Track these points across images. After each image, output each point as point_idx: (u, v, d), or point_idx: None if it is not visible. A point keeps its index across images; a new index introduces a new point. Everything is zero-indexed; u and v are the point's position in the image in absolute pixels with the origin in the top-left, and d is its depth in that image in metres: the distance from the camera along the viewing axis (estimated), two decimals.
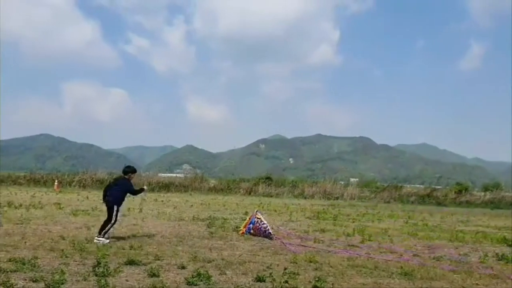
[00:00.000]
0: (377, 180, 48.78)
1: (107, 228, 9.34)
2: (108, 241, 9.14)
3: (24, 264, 6.34)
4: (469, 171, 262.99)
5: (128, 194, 9.94)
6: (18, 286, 5.14)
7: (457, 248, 10.51)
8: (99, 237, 9.18)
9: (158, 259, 7.40)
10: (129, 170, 10.00)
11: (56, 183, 32.53)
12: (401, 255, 9.17)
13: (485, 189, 40.05)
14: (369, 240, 11.21)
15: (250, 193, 36.85)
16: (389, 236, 12.31)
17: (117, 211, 9.54)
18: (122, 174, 10.01)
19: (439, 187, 42.26)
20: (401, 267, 7.55)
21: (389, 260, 8.43)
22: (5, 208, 15.05)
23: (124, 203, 9.89)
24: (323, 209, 22.40)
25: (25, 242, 8.55)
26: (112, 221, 9.41)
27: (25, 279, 5.48)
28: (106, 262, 6.72)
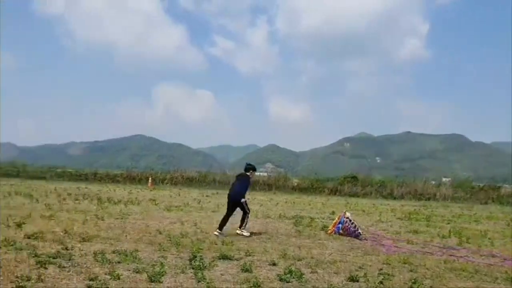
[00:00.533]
0: (472, 179, 45.61)
1: (245, 221, 10.16)
2: (248, 234, 9.95)
3: (126, 256, 6.77)
4: None
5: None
6: (123, 276, 5.50)
7: None
8: (241, 230, 10.01)
9: (249, 255, 7.54)
10: (250, 167, 10.69)
11: (150, 181, 34.53)
12: (505, 260, 8.49)
13: None
14: (467, 243, 10.54)
15: (335, 193, 36.29)
16: (489, 239, 11.47)
17: (246, 203, 10.24)
18: (244, 171, 10.66)
19: None
20: (506, 272, 7.00)
21: (492, 265, 7.85)
22: (106, 204, 16.22)
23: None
24: (415, 209, 21.44)
25: (126, 236, 9.14)
26: (247, 213, 10.22)
27: (129, 270, 5.85)
28: (201, 256, 6.99)
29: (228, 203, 10.43)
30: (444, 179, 45.93)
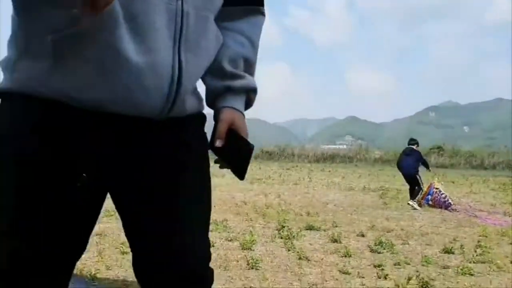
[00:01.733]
0: None
1: (418, 196, 10.53)
2: (419, 208, 10.23)
3: (217, 225, 7.03)
4: None
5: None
6: (217, 244, 5.72)
7: None
8: (413, 201, 10.42)
9: (336, 226, 7.49)
10: (414, 142, 11.31)
11: None
12: None
13: None
14: None
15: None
16: None
17: (419, 177, 10.66)
18: (409, 146, 11.27)
19: None
20: None
21: None
22: None
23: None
24: (510, 180, 19.99)
25: (215, 206, 9.48)
26: (421, 187, 10.61)
27: (221, 238, 6.07)
28: (289, 226, 7.07)
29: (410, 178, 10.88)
30: None
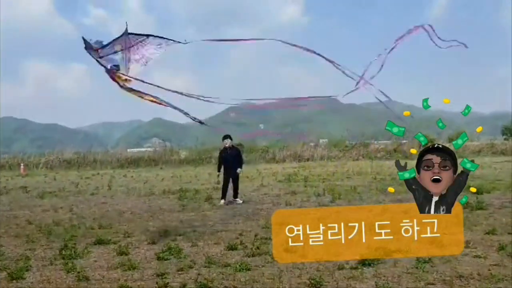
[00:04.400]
0: (345, 139, 49.30)
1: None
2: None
3: None
4: (434, 123, 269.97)
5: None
6: None
7: None
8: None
9: (128, 237, 7.29)
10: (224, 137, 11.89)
11: (22, 167, 31.56)
12: (371, 211, 9.35)
13: (450, 140, 41.12)
14: (339, 199, 11.39)
15: None
16: (358, 193, 12.53)
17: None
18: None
19: (405, 141, 43.14)
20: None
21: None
22: None
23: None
24: (294, 171, 22.57)
25: None
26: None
27: None
28: (74, 243, 6.58)
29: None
30: (321, 141, 48.96)
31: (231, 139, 11.84)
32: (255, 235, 6.65)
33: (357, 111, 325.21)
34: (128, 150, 47.45)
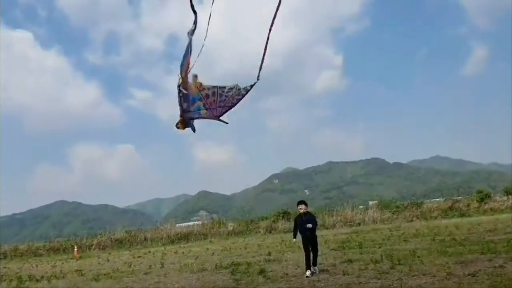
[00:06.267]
0: (395, 199, 47.84)
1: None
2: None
3: None
4: (487, 177, 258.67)
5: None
6: None
7: (491, 260, 10.12)
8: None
9: None
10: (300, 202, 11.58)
11: (75, 249, 32.29)
12: (434, 276, 8.82)
13: (507, 193, 39.07)
14: (399, 265, 10.85)
15: (270, 231, 36.24)
16: (418, 257, 11.91)
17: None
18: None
19: (459, 198, 41.32)
20: None
21: (423, 283, 8.11)
22: (27, 283, 14.86)
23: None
24: (347, 237, 21.93)
25: None
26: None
27: None
28: None
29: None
30: (370, 203, 47.75)
31: (306, 204, 11.46)
32: None
33: (405, 170, 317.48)
34: (177, 225, 47.75)
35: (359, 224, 34.28)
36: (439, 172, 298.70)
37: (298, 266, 12.63)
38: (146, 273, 14.69)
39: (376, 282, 8.84)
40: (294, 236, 11.63)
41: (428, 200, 44.56)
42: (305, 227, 11.00)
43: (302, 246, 11.25)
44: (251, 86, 6.37)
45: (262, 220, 41.62)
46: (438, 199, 42.21)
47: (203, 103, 6.47)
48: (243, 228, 38.68)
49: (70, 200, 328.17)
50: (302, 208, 11.32)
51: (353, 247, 16.54)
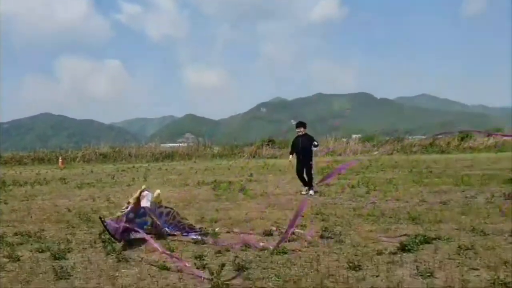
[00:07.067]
0: (378, 134, 48.50)
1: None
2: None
3: (30, 237, 6.32)
4: (472, 118, 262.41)
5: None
6: (24, 257, 5.11)
7: (463, 191, 10.49)
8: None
9: None
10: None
11: (60, 160, 32.56)
12: (407, 202, 9.15)
13: (488, 135, 39.82)
14: (374, 190, 11.19)
15: (254, 156, 36.86)
16: (394, 185, 12.28)
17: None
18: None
19: (440, 136, 42.03)
20: (408, 213, 7.51)
21: (396, 207, 8.42)
22: (10, 187, 15.07)
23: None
24: (327, 165, 22.38)
25: (31, 217, 8.55)
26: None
27: (31, 251, 5.45)
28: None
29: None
30: (354, 136, 48.31)
31: (304, 127, 11.51)
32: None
33: (391, 106, 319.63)
34: (162, 145, 48.06)
35: (340, 154, 34.94)
36: (425, 111, 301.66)
37: (277, 187, 12.95)
38: (128, 185, 14.96)
39: (350, 204, 9.15)
40: (291, 154, 11.82)
41: (410, 137, 45.24)
42: (300, 149, 11.25)
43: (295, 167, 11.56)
44: (196, 235, 6.23)
45: (247, 146, 42.16)
46: (420, 137, 42.86)
47: (152, 220, 6.37)
48: (227, 152, 39.22)
49: (55, 113, 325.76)
50: (300, 131, 11.42)
51: None
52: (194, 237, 6.10)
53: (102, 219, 5.84)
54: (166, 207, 6.73)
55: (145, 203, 6.37)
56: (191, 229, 6.50)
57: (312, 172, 11.24)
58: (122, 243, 5.67)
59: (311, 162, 11.21)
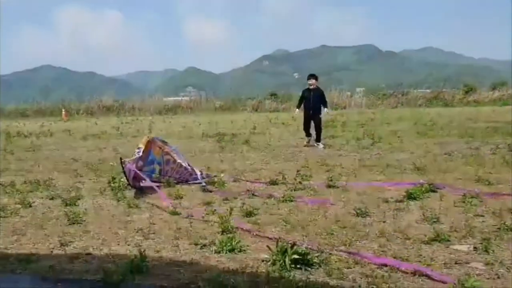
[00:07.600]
0: (383, 87, 48.01)
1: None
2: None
3: (39, 185, 6.41)
4: (476, 72, 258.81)
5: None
6: (36, 203, 5.21)
7: (467, 143, 10.50)
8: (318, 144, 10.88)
9: None
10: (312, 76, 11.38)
11: (63, 112, 32.56)
12: (413, 153, 9.19)
13: (493, 87, 39.39)
14: (379, 142, 11.22)
15: (257, 110, 36.74)
16: (399, 137, 12.28)
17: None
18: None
19: (445, 89, 41.59)
20: (413, 163, 7.56)
21: (401, 158, 8.46)
22: (15, 138, 15.16)
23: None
24: (332, 117, 22.34)
25: (39, 166, 8.65)
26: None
27: (42, 198, 5.55)
28: (121, 178, 6.79)
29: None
30: (358, 89, 47.95)
31: (316, 79, 11.28)
32: (297, 171, 6.64)
33: (396, 59, 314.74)
34: (164, 98, 47.89)
35: (344, 107, 34.79)
36: (429, 64, 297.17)
37: (281, 139, 12.99)
38: (134, 136, 15.03)
39: (355, 155, 9.19)
40: (298, 107, 11.71)
41: (415, 90, 44.80)
42: (311, 104, 11.03)
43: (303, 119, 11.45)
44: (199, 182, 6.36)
45: (250, 99, 41.94)
46: (425, 90, 42.41)
47: (160, 168, 6.53)
48: (230, 105, 39.08)
49: (56, 65, 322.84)
50: (312, 83, 11.14)
51: (336, 126, 16.94)
52: (201, 182, 6.23)
53: (123, 160, 5.92)
54: (172, 155, 6.78)
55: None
56: (197, 174, 6.64)
57: (322, 125, 11.23)
58: (133, 189, 5.80)
59: (320, 115, 11.11)
